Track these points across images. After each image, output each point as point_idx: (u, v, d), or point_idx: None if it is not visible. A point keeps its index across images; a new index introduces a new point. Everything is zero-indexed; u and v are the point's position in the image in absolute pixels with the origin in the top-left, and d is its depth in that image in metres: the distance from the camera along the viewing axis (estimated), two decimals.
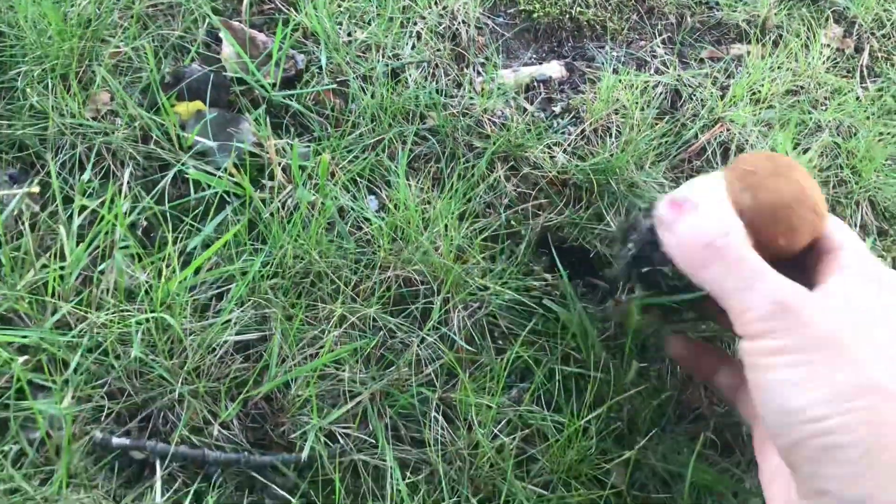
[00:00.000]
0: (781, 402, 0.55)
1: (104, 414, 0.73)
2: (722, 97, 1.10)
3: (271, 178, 0.91)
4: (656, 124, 1.05)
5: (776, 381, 0.55)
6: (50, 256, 0.82)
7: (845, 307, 0.57)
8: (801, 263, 0.63)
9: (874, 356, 0.54)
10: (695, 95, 1.10)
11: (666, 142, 1.04)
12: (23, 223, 0.83)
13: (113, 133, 0.92)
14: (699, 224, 0.61)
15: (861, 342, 0.55)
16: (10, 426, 0.71)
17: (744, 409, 0.72)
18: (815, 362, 0.54)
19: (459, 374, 0.80)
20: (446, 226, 0.89)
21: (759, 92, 1.11)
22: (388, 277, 0.86)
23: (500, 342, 0.85)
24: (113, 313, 0.77)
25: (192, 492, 0.71)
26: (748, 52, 1.17)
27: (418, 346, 0.82)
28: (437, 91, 1.03)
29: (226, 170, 0.89)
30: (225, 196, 0.89)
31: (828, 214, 0.63)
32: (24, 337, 0.74)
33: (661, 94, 1.09)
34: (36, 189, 0.85)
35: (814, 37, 1.20)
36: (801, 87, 1.14)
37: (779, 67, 1.14)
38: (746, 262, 0.58)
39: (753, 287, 0.57)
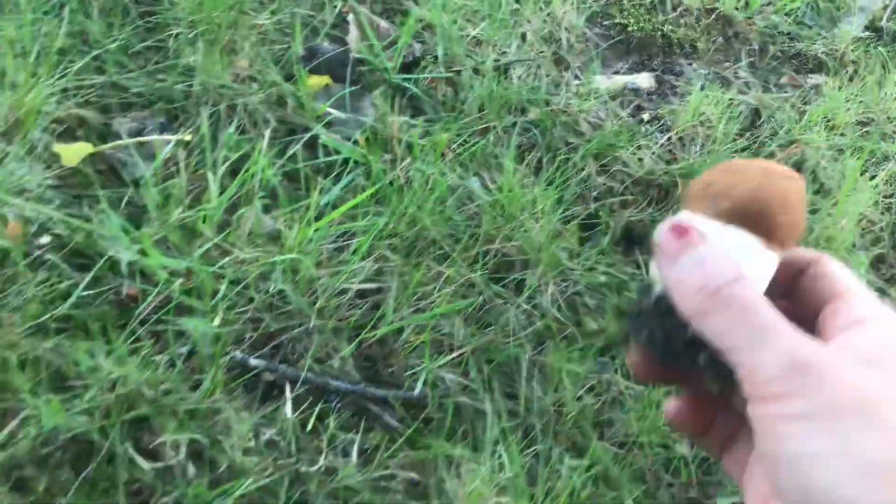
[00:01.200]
0: (806, 478, 0.47)
1: (242, 339, 0.83)
2: (798, 121, 1.19)
3: (390, 151, 1.01)
4: (737, 139, 1.14)
5: (798, 454, 0.47)
6: (195, 199, 0.92)
7: (871, 367, 0.49)
8: (800, 303, 0.52)
9: None
10: (773, 117, 1.19)
11: (745, 156, 1.13)
12: (175, 166, 0.93)
13: (251, 96, 1.02)
14: (705, 261, 0.49)
15: (893, 406, 0.47)
16: (163, 339, 0.81)
17: (734, 465, 0.57)
18: (842, 431, 0.47)
19: (551, 339, 0.89)
20: (543, 210, 0.98)
21: (834, 119, 1.20)
22: (490, 250, 0.96)
23: (588, 317, 0.94)
24: (255, 251, 0.87)
25: (316, 412, 0.80)
26: (825, 83, 1.25)
27: (514, 312, 0.91)
28: (538, 88, 1.13)
29: (355, 140, 0.99)
30: (351, 163, 0.99)
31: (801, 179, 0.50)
32: (176, 262, 0.84)
33: (742, 112, 1.18)
34: (189, 137, 0.95)
35: (888, 74, 1.28)
36: (872, 119, 1.23)
37: (853, 98, 1.23)
38: (758, 312, 0.49)
39: (766, 342, 0.48)
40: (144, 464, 0.72)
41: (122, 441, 0.73)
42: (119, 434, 0.73)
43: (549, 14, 1.23)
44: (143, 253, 0.83)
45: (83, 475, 0.72)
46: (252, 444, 0.75)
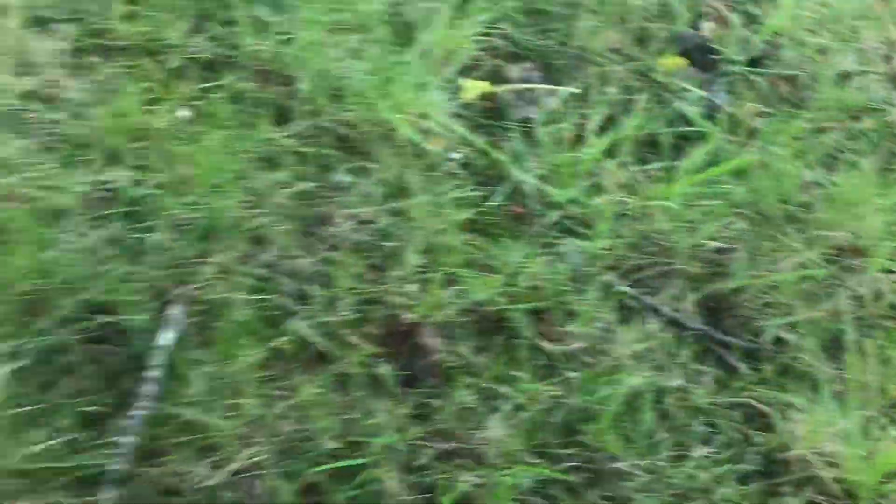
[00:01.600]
0: None
1: (611, 267, 0.97)
2: None
3: (738, 133, 1.12)
4: None
5: None
6: (570, 145, 1.07)
7: None
8: None
9: None
10: None
11: None
12: (559, 115, 1.08)
13: (620, 65, 1.16)
14: None
15: None
16: (551, 253, 0.96)
17: None
18: None
19: (877, 327, 0.97)
20: (880, 208, 1.06)
21: None
22: (822, 235, 1.04)
23: None
24: (628, 196, 1.00)
25: (670, 339, 0.92)
26: None
27: (844, 293, 0.99)
28: (875, 99, 1.20)
29: (712, 118, 1.11)
30: (707, 137, 1.10)
31: None
32: (569, 192, 0.98)
33: None
34: (579, 89, 1.10)
35: None
36: None
37: None
38: None
39: None
40: (546, 345, 0.86)
41: (526, 324, 0.89)
42: (524, 317, 0.89)
43: (885, 36, 1.30)
44: (541, 179, 0.99)
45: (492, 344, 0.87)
46: (627, 351, 0.88)
